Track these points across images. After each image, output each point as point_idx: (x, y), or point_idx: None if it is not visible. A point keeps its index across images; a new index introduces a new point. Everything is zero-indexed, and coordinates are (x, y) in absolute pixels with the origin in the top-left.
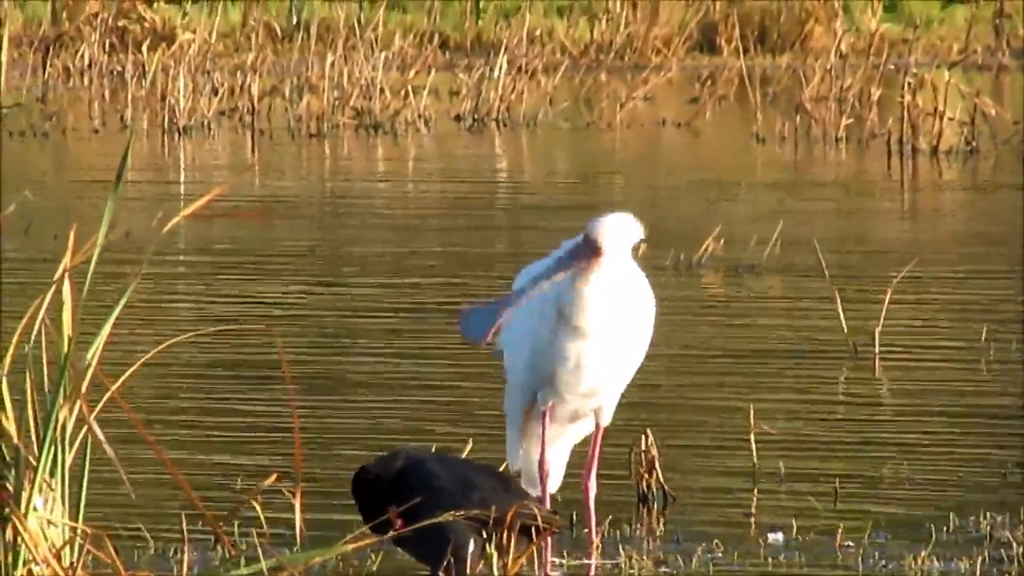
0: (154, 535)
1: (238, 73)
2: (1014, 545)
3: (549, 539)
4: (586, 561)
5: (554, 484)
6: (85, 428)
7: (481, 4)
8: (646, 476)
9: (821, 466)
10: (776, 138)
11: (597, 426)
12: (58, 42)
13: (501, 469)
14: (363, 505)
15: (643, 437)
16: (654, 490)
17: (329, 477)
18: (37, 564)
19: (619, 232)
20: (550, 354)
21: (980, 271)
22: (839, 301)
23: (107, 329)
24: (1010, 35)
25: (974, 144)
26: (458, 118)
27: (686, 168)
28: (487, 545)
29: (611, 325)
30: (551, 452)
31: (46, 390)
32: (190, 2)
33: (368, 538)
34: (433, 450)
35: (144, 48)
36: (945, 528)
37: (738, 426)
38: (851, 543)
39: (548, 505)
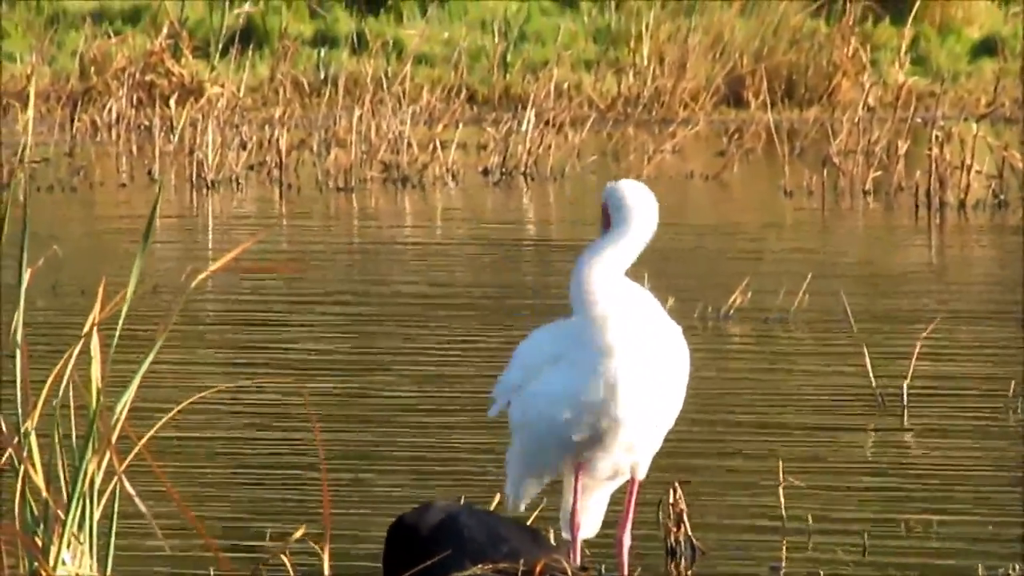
0: None
1: (266, 127)
2: None
3: None
4: None
5: (590, 531)
6: (113, 481)
7: (508, 58)
8: (674, 529)
9: (849, 517)
10: (804, 191)
11: (633, 479)
12: (85, 96)
13: (530, 522)
14: (396, 557)
15: (671, 490)
16: (682, 543)
17: (357, 529)
18: None
19: (630, 197)
20: (591, 401)
21: (1008, 323)
22: (867, 353)
23: (136, 382)
24: None
25: (1002, 197)
26: (486, 172)
27: (714, 221)
28: None
29: (643, 344)
30: (585, 502)
31: (74, 444)
32: (218, 56)
33: None
34: (462, 501)
35: (172, 102)
36: None
37: (766, 478)
38: None
39: (579, 559)
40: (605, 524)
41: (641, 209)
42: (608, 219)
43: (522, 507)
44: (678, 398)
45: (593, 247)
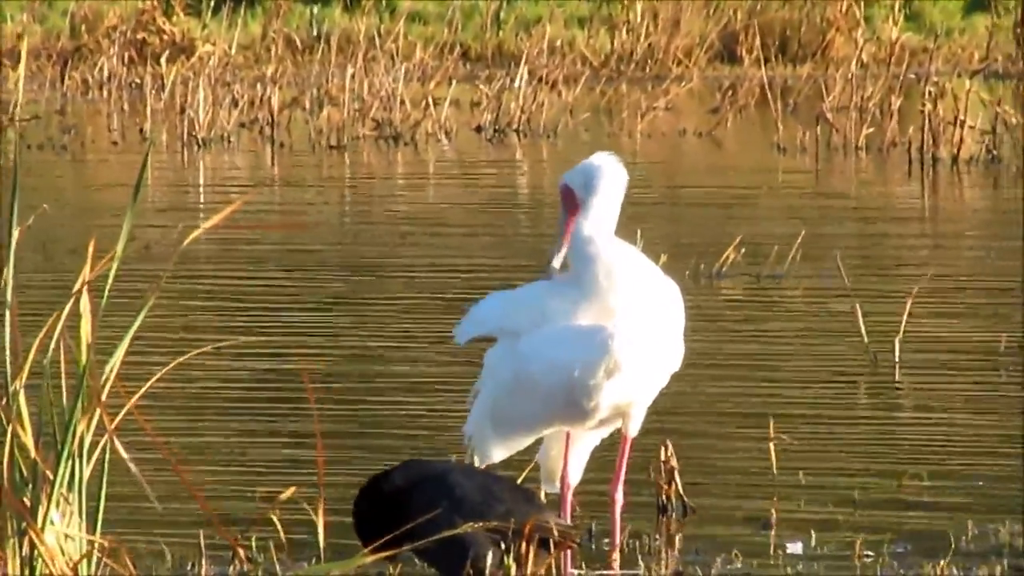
0: (172, 548)
1: (258, 85)
2: None
3: (568, 551)
4: (606, 571)
5: (574, 480)
6: (102, 441)
7: (501, 15)
8: (665, 486)
9: (840, 474)
10: (797, 148)
11: (624, 437)
12: (77, 55)
13: (520, 481)
14: (374, 517)
15: (662, 447)
16: (673, 500)
17: (349, 491)
18: None
19: (593, 175)
20: (593, 365)
21: (1000, 280)
22: (859, 310)
23: (126, 342)
24: None
25: (995, 153)
26: (479, 129)
27: (707, 178)
28: (506, 556)
29: (647, 302)
30: (573, 453)
31: (64, 403)
32: (209, 14)
33: (387, 550)
34: (454, 460)
35: (163, 60)
36: (964, 537)
37: (757, 436)
38: (870, 552)
39: (569, 518)
40: (597, 482)
41: (607, 172)
42: (573, 202)
43: (494, 460)
44: (677, 356)
45: (585, 209)
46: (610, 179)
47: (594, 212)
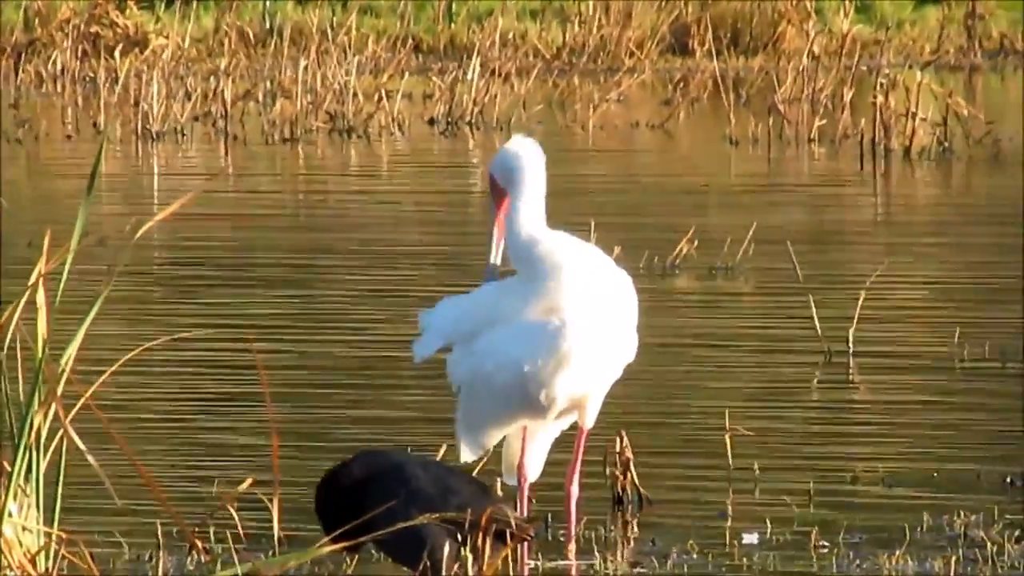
0: (129, 540)
1: (211, 78)
2: (988, 544)
3: (524, 543)
4: (562, 563)
5: (533, 475)
6: (60, 433)
7: (453, 8)
8: (621, 478)
9: (795, 465)
10: (749, 140)
11: (581, 430)
12: (30, 48)
13: (475, 473)
14: (332, 509)
15: (618, 439)
16: (629, 492)
17: (305, 482)
18: (12, 570)
19: (511, 167)
20: (545, 360)
21: (953, 272)
22: (812, 303)
23: (81, 334)
24: (982, 36)
25: (947, 144)
26: (431, 121)
27: (659, 170)
28: (462, 548)
29: (597, 297)
30: (531, 447)
31: (20, 396)
32: (163, 7)
33: (343, 541)
34: (409, 450)
35: (117, 54)
36: (919, 528)
37: (713, 428)
38: (826, 543)
39: (526, 510)
40: (554, 474)
41: (525, 162)
42: (498, 192)
43: (474, 457)
44: (630, 348)
45: (514, 212)
46: (529, 169)
47: (523, 207)
